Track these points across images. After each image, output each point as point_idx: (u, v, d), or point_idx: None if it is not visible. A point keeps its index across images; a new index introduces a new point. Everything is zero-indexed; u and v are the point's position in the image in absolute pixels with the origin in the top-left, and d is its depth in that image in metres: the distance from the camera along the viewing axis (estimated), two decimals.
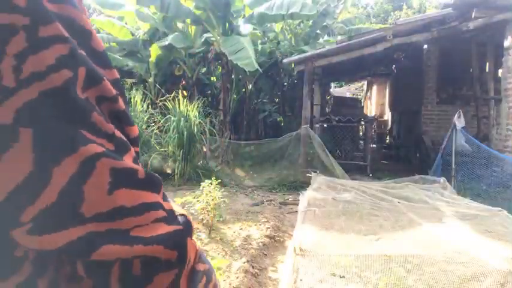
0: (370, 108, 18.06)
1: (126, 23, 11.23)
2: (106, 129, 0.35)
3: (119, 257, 0.35)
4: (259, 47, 11.04)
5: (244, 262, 3.41)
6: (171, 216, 0.39)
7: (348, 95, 20.38)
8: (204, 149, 8.14)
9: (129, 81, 10.25)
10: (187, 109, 7.40)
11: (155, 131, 7.60)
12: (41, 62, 0.31)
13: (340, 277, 2.67)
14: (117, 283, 0.36)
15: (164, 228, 0.37)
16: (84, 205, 0.33)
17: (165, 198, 0.41)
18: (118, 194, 0.34)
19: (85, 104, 0.33)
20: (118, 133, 0.37)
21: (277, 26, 11.82)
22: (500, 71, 7.38)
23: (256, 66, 7.91)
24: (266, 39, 11.82)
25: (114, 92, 0.38)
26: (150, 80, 10.67)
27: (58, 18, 0.33)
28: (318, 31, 11.59)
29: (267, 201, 6.13)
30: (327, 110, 11.15)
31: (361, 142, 10.69)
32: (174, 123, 7.19)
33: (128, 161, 0.36)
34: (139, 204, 0.36)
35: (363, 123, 9.65)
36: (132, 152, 0.38)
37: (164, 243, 0.37)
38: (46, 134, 0.31)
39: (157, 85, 10.47)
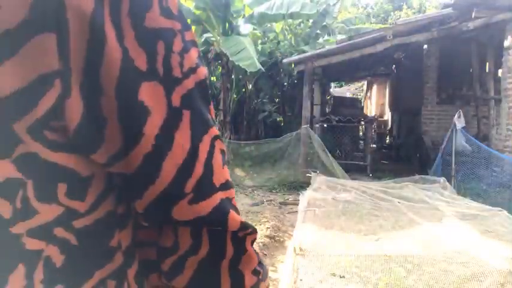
0: (370, 108, 18.06)
1: None
2: (213, 115, 0.44)
3: (240, 221, 0.43)
4: (259, 47, 11.04)
5: None
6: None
7: (348, 95, 20.38)
8: None
9: None
10: None
11: None
12: (192, 59, 0.39)
13: (340, 277, 2.67)
14: (231, 243, 0.43)
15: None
16: (214, 176, 0.41)
17: None
18: (225, 169, 0.43)
19: (209, 94, 0.42)
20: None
21: (277, 26, 11.82)
22: (500, 71, 7.37)
23: (259, 66, 7.91)
24: (266, 39, 11.82)
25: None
26: None
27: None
28: (318, 31, 11.59)
29: (267, 201, 6.13)
30: (327, 110, 11.14)
31: (361, 142, 10.69)
32: None
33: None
34: (228, 180, 0.44)
35: (363, 123, 9.64)
36: None
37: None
38: (196, 116, 0.39)
39: None
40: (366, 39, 7.49)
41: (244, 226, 0.44)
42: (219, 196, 0.41)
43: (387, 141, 13.75)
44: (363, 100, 17.53)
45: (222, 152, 0.43)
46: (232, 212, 0.42)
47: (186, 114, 0.38)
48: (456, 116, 6.36)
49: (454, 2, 6.81)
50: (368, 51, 7.50)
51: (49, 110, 0.32)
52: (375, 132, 13.46)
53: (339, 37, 10.69)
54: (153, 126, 0.35)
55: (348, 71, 12.66)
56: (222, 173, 0.42)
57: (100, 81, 0.33)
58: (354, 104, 11.94)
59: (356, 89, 22.17)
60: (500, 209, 4.34)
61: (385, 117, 14.94)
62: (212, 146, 0.41)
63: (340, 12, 12.16)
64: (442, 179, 5.75)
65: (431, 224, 3.79)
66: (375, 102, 17.26)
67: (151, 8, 0.35)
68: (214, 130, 0.42)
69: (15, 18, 0.30)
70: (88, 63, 0.32)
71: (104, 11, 0.32)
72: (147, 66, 0.35)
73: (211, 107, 0.43)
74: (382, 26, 13.55)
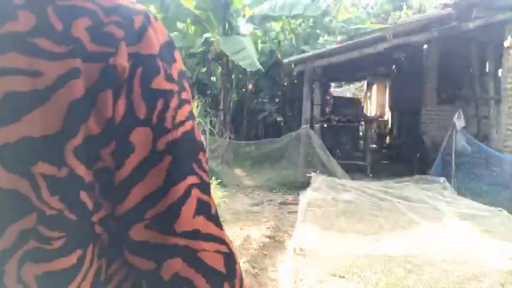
0: (370, 108, 18.06)
1: None
2: (204, 163, 0.48)
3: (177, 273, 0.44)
4: (260, 46, 11.04)
5: (244, 262, 3.41)
6: (230, 253, 0.48)
7: (348, 95, 20.38)
8: None
9: None
10: None
11: None
12: (183, 114, 0.45)
13: (340, 277, 2.67)
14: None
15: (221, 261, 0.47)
16: (178, 221, 0.43)
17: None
18: (199, 220, 0.45)
19: (199, 145, 0.47)
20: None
21: (277, 26, 11.82)
22: (500, 71, 7.37)
23: (259, 66, 7.91)
24: (267, 38, 11.82)
25: None
26: None
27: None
28: (318, 31, 11.59)
29: (267, 201, 6.12)
30: (327, 110, 11.13)
31: (361, 142, 10.69)
32: None
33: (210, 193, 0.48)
34: (207, 233, 0.45)
35: (363, 123, 9.63)
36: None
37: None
38: (176, 162, 0.44)
39: None
40: (366, 39, 7.49)
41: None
42: (175, 240, 0.43)
43: (387, 141, 13.74)
44: (363, 100, 17.51)
45: (201, 202, 0.45)
46: (174, 260, 0.43)
47: (167, 159, 0.43)
48: (456, 116, 6.36)
49: (454, 2, 6.82)
50: (368, 51, 7.50)
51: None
52: (375, 132, 13.45)
53: (339, 37, 10.69)
54: (133, 160, 0.42)
55: (348, 71, 12.65)
56: (190, 222, 0.44)
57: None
58: (354, 104, 11.94)
59: (356, 89, 22.15)
60: (500, 209, 4.34)
61: (385, 117, 14.94)
62: (186, 193, 0.44)
63: (339, 11, 12.14)
64: (442, 179, 5.75)
65: (431, 224, 3.79)
66: (375, 102, 17.25)
67: (158, 75, 0.44)
68: (193, 179, 0.45)
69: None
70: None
71: (121, 93, 0.42)
72: (144, 116, 0.42)
73: (202, 156, 0.47)
74: (382, 26, 13.54)
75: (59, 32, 0.39)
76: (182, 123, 0.45)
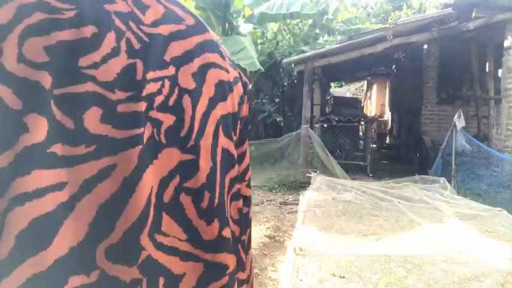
0: (370, 108, 18.06)
1: None
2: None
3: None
4: (259, 47, 11.04)
5: None
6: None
7: (348, 95, 20.38)
8: None
9: None
10: None
11: None
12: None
13: (340, 277, 2.67)
14: None
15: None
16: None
17: None
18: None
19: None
20: None
21: (275, 26, 11.82)
22: (500, 71, 7.37)
23: (259, 66, 7.90)
24: (265, 39, 11.82)
25: None
26: None
27: None
28: (318, 31, 11.58)
29: (267, 201, 6.12)
30: (327, 110, 11.13)
31: (361, 142, 10.68)
32: None
33: None
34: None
35: (363, 123, 9.63)
36: None
37: None
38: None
39: None
40: (366, 39, 7.48)
41: None
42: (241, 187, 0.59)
43: (387, 141, 13.75)
44: (363, 100, 17.52)
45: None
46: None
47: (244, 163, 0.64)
48: (456, 116, 6.36)
49: (454, 2, 6.81)
50: (368, 51, 7.50)
51: None
52: (375, 132, 13.45)
53: (339, 37, 10.69)
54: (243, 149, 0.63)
55: (348, 71, 12.65)
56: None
57: None
58: (354, 104, 11.94)
59: (356, 89, 22.16)
60: (500, 209, 4.34)
61: (385, 117, 14.94)
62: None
63: (338, 11, 12.13)
64: (442, 179, 5.74)
65: (432, 224, 3.78)
66: (375, 102, 17.25)
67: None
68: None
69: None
70: None
71: None
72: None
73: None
74: (382, 26, 13.55)
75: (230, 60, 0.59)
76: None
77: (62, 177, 0.37)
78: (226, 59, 0.56)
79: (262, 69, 8.67)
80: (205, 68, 0.50)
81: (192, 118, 0.47)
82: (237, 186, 0.55)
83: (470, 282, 2.49)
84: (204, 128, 0.48)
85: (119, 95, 0.41)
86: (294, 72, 10.15)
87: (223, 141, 0.51)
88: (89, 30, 0.40)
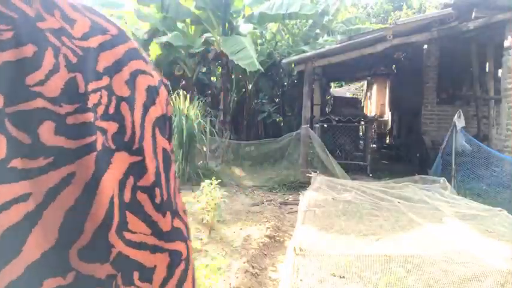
0: (370, 108, 18.05)
1: (126, 23, 11.22)
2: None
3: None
4: (258, 48, 11.04)
5: (244, 262, 3.41)
6: None
7: (348, 95, 20.38)
8: (204, 149, 8.14)
9: None
10: (187, 109, 7.40)
11: None
12: None
13: (340, 277, 2.67)
14: None
15: None
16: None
17: None
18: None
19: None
20: None
21: (274, 27, 11.82)
22: (500, 71, 7.36)
23: (258, 66, 7.90)
24: (264, 39, 11.82)
25: None
26: None
27: None
28: (317, 31, 11.58)
29: (267, 201, 6.12)
30: (327, 110, 11.14)
31: (361, 142, 10.69)
32: (174, 124, 7.19)
33: None
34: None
35: (363, 123, 9.63)
36: None
37: None
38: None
39: None
40: (366, 39, 7.48)
41: None
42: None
43: (387, 141, 13.75)
44: (363, 100, 17.52)
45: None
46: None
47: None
48: (456, 116, 6.36)
49: (454, 2, 6.81)
50: (368, 51, 7.50)
51: None
52: (375, 132, 13.45)
53: (339, 37, 10.69)
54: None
55: (348, 71, 12.65)
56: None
57: None
58: (354, 104, 11.95)
59: (356, 89, 22.16)
60: (500, 209, 4.34)
61: (385, 117, 14.93)
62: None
63: (338, 11, 12.14)
64: (442, 179, 5.74)
65: (432, 224, 3.78)
66: (375, 102, 17.25)
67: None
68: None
69: None
70: None
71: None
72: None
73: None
74: (382, 26, 13.55)
75: None
76: None
77: (25, 189, 0.40)
78: (149, 63, 0.58)
79: (262, 69, 8.67)
80: (134, 75, 0.53)
81: (132, 123, 0.50)
82: (177, 180, 0.58)
83: (470, 282, 2.49)
84: (143, 131, 0.52)
85: (66, 108, 0.44)
86: (293, 72, 10.15)
87: (161, 142, 0.55)
88: (29, 50, 0.42)
